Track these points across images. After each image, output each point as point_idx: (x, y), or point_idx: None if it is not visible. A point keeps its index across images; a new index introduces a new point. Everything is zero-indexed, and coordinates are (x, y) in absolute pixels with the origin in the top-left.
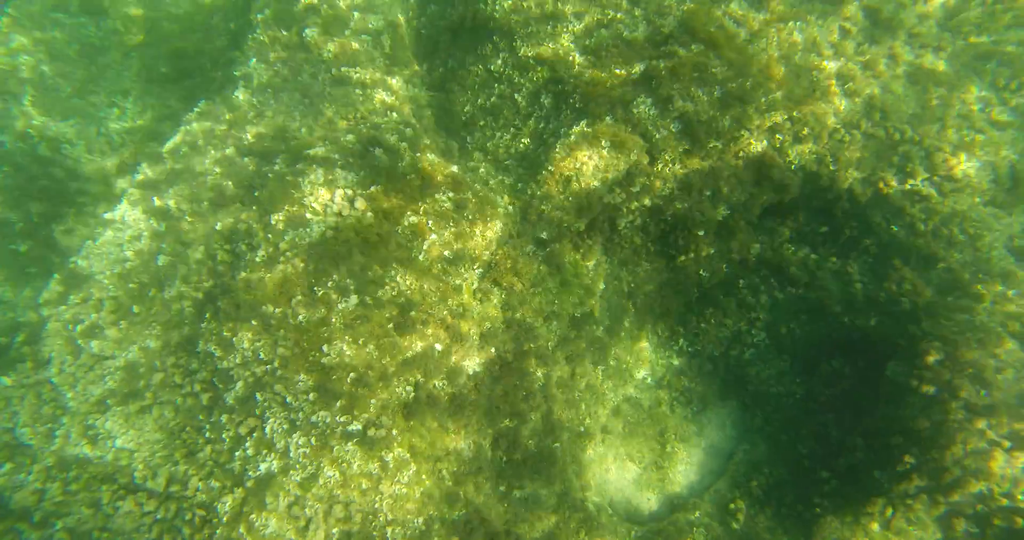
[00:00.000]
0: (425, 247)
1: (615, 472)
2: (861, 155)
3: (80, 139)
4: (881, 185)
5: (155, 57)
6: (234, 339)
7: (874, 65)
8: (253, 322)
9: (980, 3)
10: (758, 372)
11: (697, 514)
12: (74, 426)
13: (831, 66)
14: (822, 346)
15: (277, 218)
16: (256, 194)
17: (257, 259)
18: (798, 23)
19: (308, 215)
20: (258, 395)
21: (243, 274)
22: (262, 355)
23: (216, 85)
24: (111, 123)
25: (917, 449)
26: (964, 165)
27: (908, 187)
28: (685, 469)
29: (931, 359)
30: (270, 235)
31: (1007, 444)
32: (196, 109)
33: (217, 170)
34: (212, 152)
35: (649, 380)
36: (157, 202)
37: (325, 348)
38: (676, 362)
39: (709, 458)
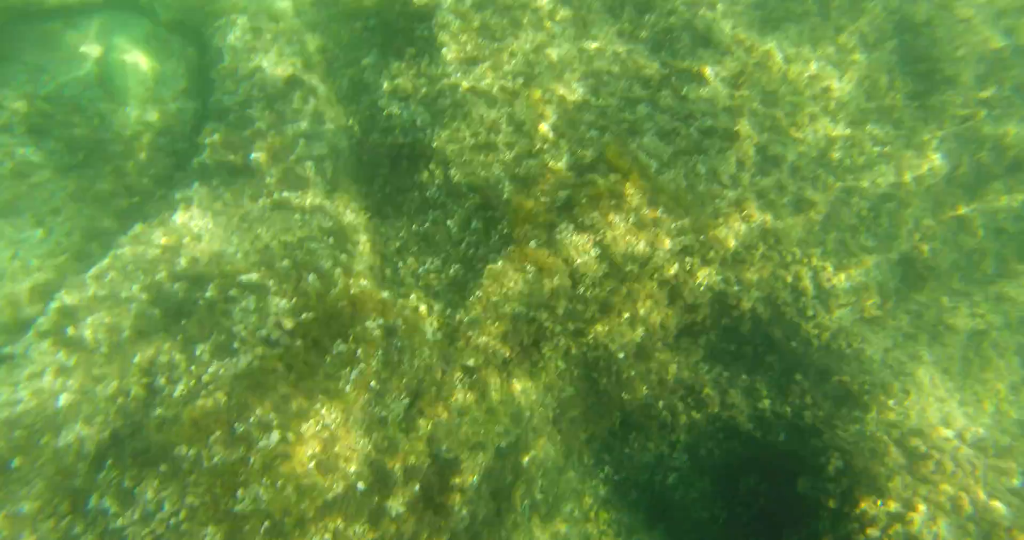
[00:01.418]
0: (353, 377)
1: None
2: (760, 275)
3: None
4: (779, 303)
5: (94, 177)
6: (136, 489)
7: (766, 194)
8: (162, 467)
9: (840, 147)
10: (682, 497)
11: None
12: None
13: (730, 194)
14: (739, 465)
15: (203, 348)
16: (184, 322)
17: (176, 394)
18: (700, 156)
19: (235, 345)
20: None
21: (158, 411)
22: (166, 506)
23: (156, 206)
24: (32, 245)
25: None
26: (844, 284)
27: (801, 305)
28: None
29: (832, 470)
30: (193, 367)
31: None
32: (130, 232)
33: (144, 297)
34: (142, 277)
35: (576, 513)
36: (71, 332)
37: (239, 493)
38: (602, 491)
39: None
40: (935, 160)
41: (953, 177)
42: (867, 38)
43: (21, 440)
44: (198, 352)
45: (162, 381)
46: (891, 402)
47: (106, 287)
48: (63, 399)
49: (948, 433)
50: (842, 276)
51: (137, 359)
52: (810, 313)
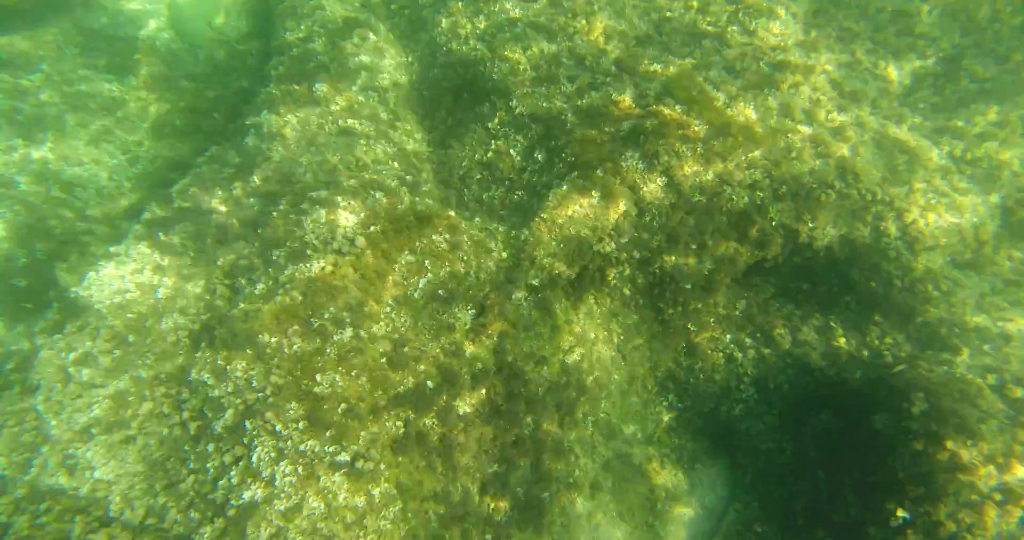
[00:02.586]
0: (421, 285)
1: (604, 529)
2: (837, 213)
3: (91, 184)
4: (857, 243)
5: (171, 112)
6: (228, 367)
7: (843, 131)
8: (248, 350)
9: (931, 84)
10: (748, 428)
11: None
12: (53, 455)
13: (805, 130)
14: (810, 400)
15: (278, 254)
16: (259, 231)
17: (256, 292)
18: (772, 90)
19: (308, 252)
20: (247, 423)
21: (241, 306)
22: (255, 383)
23: (227, 135)
24: (123, 170)
25: (910, 503)
26: (932, 227)
27: (883, 246)
28: (675, 529)
29: (916, 410)
30: (270, 269)
31: (999, 497)
32: (207, 153)
33: (223, 209)
34: (220, 192)
35: (639, 436)
36: (162, 237)
37: (318, 377)
38: (666, 418)
39: (701, 517)
40: None
41: None
42: None
43: (132, 321)
44: (274, 257)
45: (243, 282)
46: (987, 347)
47: (189, 201)
48: (161, 292)
49: None
50: (931, 217)
51: (220, 262)
52: (892, 254)
